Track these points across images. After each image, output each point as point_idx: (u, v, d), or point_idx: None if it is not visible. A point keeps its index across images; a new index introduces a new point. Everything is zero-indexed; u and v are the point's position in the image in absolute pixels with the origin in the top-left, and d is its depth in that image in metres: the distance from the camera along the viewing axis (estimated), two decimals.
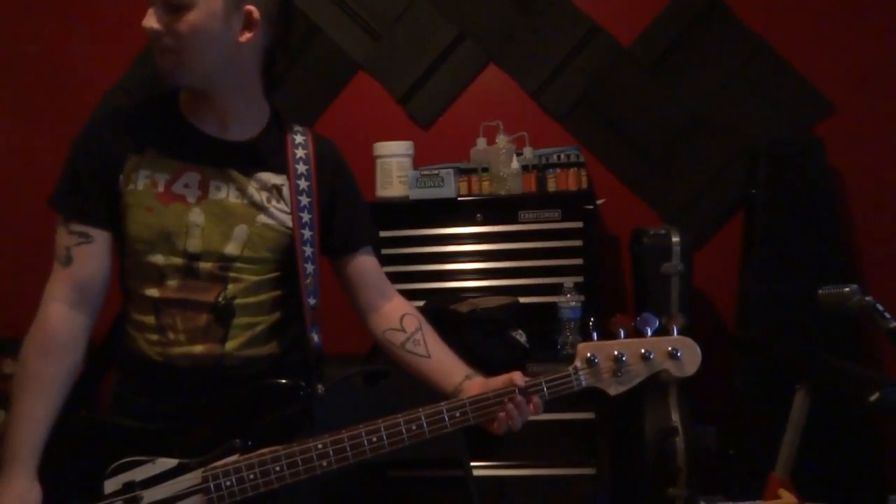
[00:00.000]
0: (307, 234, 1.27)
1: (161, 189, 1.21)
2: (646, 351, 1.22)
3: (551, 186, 2.35)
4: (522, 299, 2.25)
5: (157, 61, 1.18)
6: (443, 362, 1.34)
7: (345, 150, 2.94)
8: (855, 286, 1.55)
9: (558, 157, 2.37)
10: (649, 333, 1.24)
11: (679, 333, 1.25)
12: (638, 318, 1.26)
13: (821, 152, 2.44)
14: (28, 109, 2.90)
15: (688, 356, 1.22)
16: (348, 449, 1.17)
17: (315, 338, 1.29)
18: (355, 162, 2.62)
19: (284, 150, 1.29)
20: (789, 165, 2.44)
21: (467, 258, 2.31)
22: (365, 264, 1.39)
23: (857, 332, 2.42)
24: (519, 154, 2.39)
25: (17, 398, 1.18)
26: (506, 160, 2.32)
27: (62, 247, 1.21)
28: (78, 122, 1.29)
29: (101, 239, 1.22)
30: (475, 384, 1.27)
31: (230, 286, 1.23)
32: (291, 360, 1.32)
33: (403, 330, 1.36)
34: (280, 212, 1.27)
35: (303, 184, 1.28)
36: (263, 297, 1.27)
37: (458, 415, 1.20)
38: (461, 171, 2.39)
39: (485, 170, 2.37)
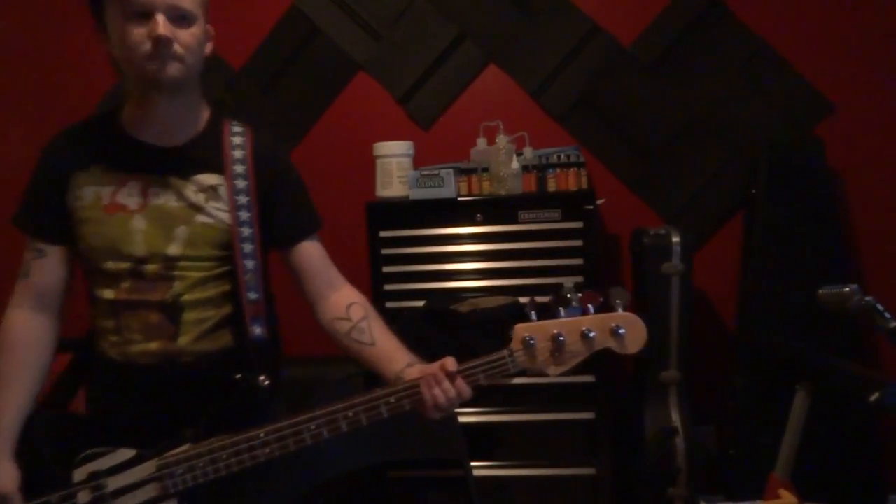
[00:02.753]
0: (246, 231, 1.33)
1: (106, 201, 1.30)
2: (586, 329, 1.18)
3: (551, 186, 2.35)
4: (522, 299, 2.26)
5: (159, 68, 1.22)
6: (386, 350, 1.37)
7: (345, 150, 2.96)
8: (855, 286, 1.55)
9: (558, 157, 2.37)
10: (591, 311, 1.20)
11: (625, 310, 1.21)
12: (611, 291, 1.22)
13: (821, 152, 2.44)
14: (28, 109, 2.90)
15: (632, 334, 1.18)
16: (289, 437, 1.23)
17: (257, 330, 1.34)
18: (355, 162, 2.66)
19: (221, 152, 1.35)
20: (789, 165, 2.44)
21: (467, 258, 2.31)
22: (310, 255, 1.42)
23: (857, 332, 2.42)
24: (519, 154, 2.39)
25: None
26: (506, 160, 2.32)
27: (25, 261, 1.37)
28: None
29: (53, 253, 1.35)
30: (414, 370, 1.30)
31: (176, 284, 1.31)
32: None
33: (349, 319, 1.40)
34: (218, 210, 1.32)
35: (240, 183, 1.34)
36: (211, 292, 1.33)
37: (392, 401, 1.24)
38: (461, 171, 2.39)
39: (485, 170, 2.37)
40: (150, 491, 1.22)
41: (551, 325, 1.19)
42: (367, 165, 2.46)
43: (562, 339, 1.18)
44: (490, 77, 2.72)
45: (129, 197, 1.30)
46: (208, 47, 1.32)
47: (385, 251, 2.34)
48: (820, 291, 1.61)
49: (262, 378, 1.31)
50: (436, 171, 2.32)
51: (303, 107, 2.81)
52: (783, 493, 1.67)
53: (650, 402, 2.36)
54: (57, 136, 1.38)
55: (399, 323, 2.24)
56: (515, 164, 2.32)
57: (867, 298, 1.52)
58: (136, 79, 1.26)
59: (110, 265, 1.30)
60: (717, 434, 2.62)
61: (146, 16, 1.20)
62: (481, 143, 2.48)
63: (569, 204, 2.27)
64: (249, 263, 1.33)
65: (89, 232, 1.31)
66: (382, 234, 2.34)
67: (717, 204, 2.67)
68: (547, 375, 1.22)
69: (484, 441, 2.23)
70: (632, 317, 1.19)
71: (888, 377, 1.90)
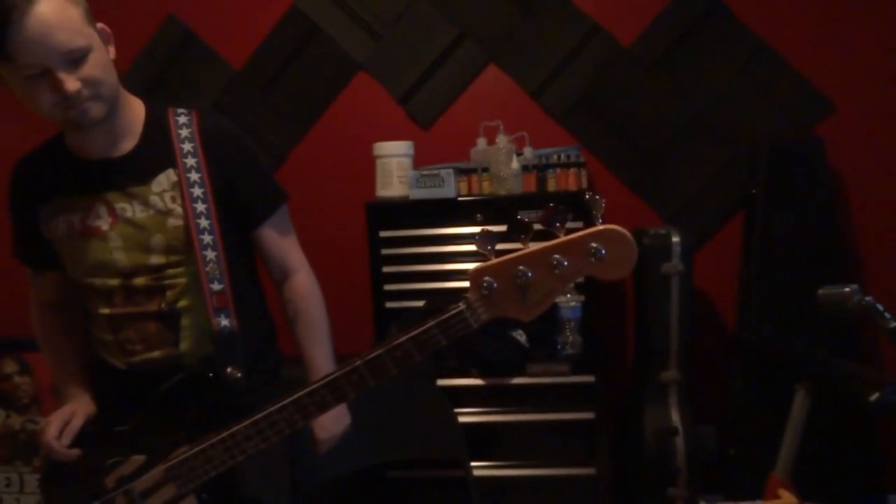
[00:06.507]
0: (203, 223, 1.31)
1: (78, 227, 1.31)
2: (557, 258, 0.93)
3: (551, 186, 2.35)
4: None
5: (80, 115, 1.19)
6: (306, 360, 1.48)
7: (345, 150, 2.96)
8: (855, 286, 1.55)
9: (558, 157, 2.37)
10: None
11: (602, 221, 0.95)
12: (587, 199, 0.97)
13: (821, 152, 2.44)
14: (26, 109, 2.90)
15: (616, 251, 0.91)
16: (266, 428, 1.18)
17: (223, 322, 1.31)
18: (355, 162, 2.66)
19: (170, 144, 1.31)
20: (789, 165, 2.44)
21: (467, 258, 2.31)
22: (265, 239, 1.43)
23: (857, 332, 2.42)
24: (519, 154, 2.39)
25: (46, 354, 1.49)
26: (506, 160, 2.32)
27: (29, 272, 1.47)
28: None
29: (47, 277, 1.45)
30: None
31: (168, 293, 1.32)
32: (252, 340, 1.40)
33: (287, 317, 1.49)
34: (181, 207, 1.31)
35: (193, 175, 1.31)
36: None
37: (398, 354, 1.11)
38: (461, 171, 2.39)
39: (485, 170, 2.37)
40: (169, 490, 1.25)
41: (511, 262, 0.95)
42: (367, 165, 2.46)
43: (529, 275, 0.95)
44: (490, 77, 2.72)
45: (98, 218, 1.30)
46: (111, 51, 1.25)
47: (385, 251, 2.34)
48: (820, 291, 1.61)
49: (230, 371, 1.29)
50: (436, 171, 2.32)
51: (303, 107, 2.81)
52: (783, 493, 1.67)
53: (650, 402, 2.36)
54: (16, 166, 1.39)
55: (399, 323, 2.24)
56: (515, 164, 2.32)
57: (867, 298, 1.52)
58: (60, 124, 1.25)
59: (99, 284, 1.32)
60: (717, 434, 2.62)
61: (43, 74, 1.15)
62: (481, 143, 2.48)
63: (569, 204, 2.26)
64: (210, 254, 1.30)
65: (72, 259, 1.34)
66: (382, 234, 2.34)
67: (717, 204, 2.67)
68: (521, 321, 1.00)
69: (484, 441, 2.22)
70: (612, 230, 0.91)
71: (888, 377, 1.91)
